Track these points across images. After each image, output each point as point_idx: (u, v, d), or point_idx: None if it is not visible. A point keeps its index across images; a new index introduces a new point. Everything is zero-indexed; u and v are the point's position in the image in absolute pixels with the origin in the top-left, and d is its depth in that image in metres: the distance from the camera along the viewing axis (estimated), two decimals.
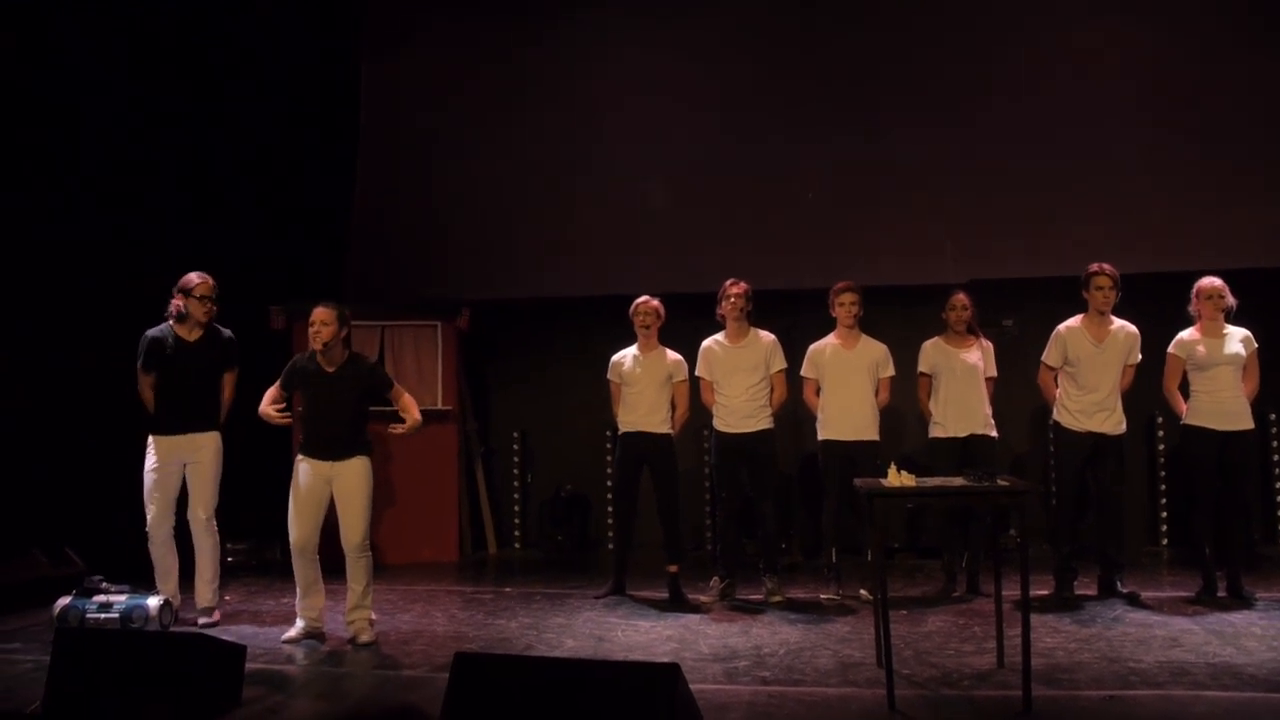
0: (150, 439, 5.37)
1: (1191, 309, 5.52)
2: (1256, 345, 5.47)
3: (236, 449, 5.57)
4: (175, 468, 5.34)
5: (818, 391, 5.88)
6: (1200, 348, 5.44)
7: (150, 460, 5.33)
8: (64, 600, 5.13)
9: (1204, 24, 6.97)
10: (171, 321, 5.39)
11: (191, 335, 5.40)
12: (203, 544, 5.34)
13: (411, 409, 5.14)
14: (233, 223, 7.43)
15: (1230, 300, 5.43)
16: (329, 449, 4.96)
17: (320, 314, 4.94)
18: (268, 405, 5.06)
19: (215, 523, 5.39)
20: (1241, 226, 6.71)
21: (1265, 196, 6.74)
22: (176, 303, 5.37)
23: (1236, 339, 5.44)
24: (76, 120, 6.73)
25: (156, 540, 5.32)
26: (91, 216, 6.75)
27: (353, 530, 4.92)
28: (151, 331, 5.42)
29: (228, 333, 5.55)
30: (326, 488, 4.97)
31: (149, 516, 5.31)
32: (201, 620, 5.30)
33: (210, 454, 5.37)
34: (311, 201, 7.79)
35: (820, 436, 5.86)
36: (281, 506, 5.06)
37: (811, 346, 5.93)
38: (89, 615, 5.04)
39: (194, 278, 5.39)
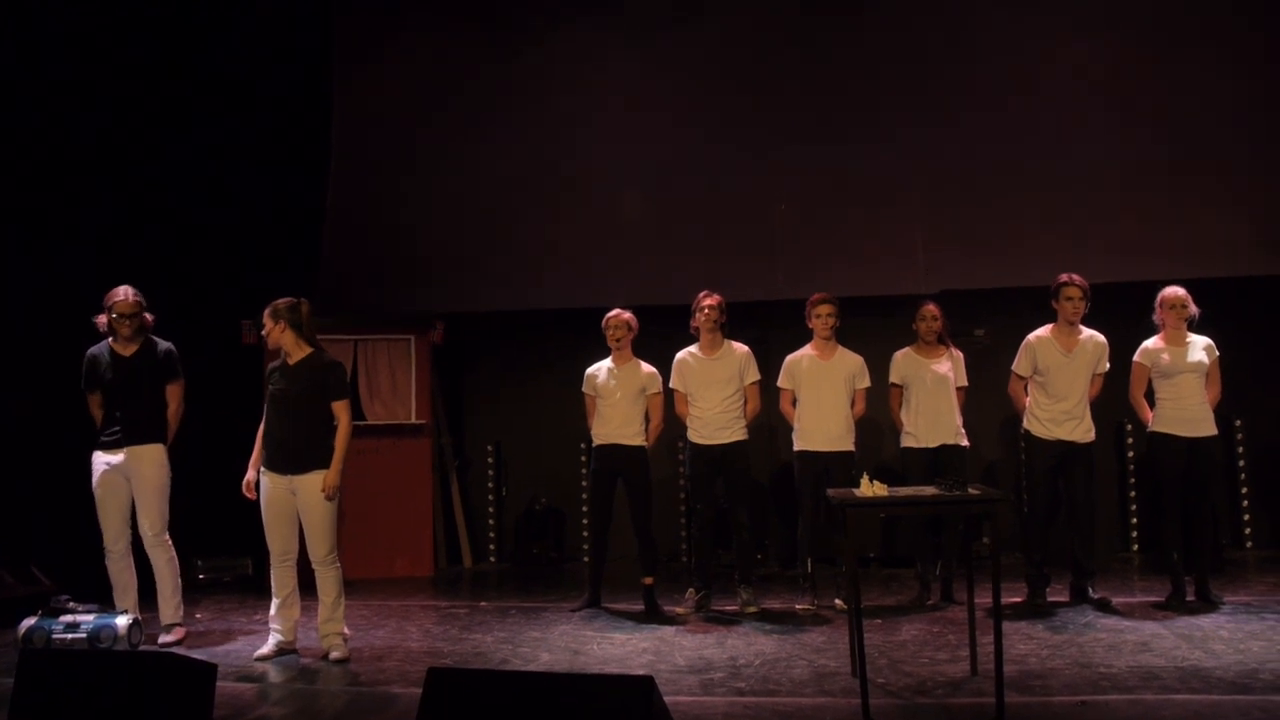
0: (93, 455, 5.24)
1: (1156, 318, 5.61)
2: (1218, 353, 5.57)
3: (204, 464, 5.48)
4: (119, 483, 5.20)
5: (794, 402, 5.92)
6: (1165, 356, 5.53)
7: (94, 477, 5.22)
8: (29, 621, 5.04)
9: (1172, 38, 7.09)
10: (109, 337, 5.25)
11: (127, 350, 5.24)
12: (156, 560, 5.24)
13: (341, 426, 4.86)
14: (205, 236, 7.37)
15: (1193, 309, 5.53)
16: (287, 461, 4.83)
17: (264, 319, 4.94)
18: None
19: (168, 537, 5.26)
20: (1204, 238, 6.84)
21: (1228, 208, 6.86)
22: (101, 319, 5.21)
23: (1199, 347, 5.53)
24: (45, 130, 6.65)
25: (114, 556, 5.22)
26: (59, 231, 6.66)
27: (317, 544, 4.86)
28: (91, 349, 5.27)
29: (166, 344, 5.36)
30: (292, 499, 4.87)
31: (105, 534, 5.21)
32: (162, 638, 5.20)
33: (153, 468, 5.21)
34: (284, 215, 7.74)
35: (796, 447, 5.88)
36: (252, 522, 5.01)
37: (788, 357, 5.96)
38: (55, 635, 4.95)
39: (117, 293, 5.19)
